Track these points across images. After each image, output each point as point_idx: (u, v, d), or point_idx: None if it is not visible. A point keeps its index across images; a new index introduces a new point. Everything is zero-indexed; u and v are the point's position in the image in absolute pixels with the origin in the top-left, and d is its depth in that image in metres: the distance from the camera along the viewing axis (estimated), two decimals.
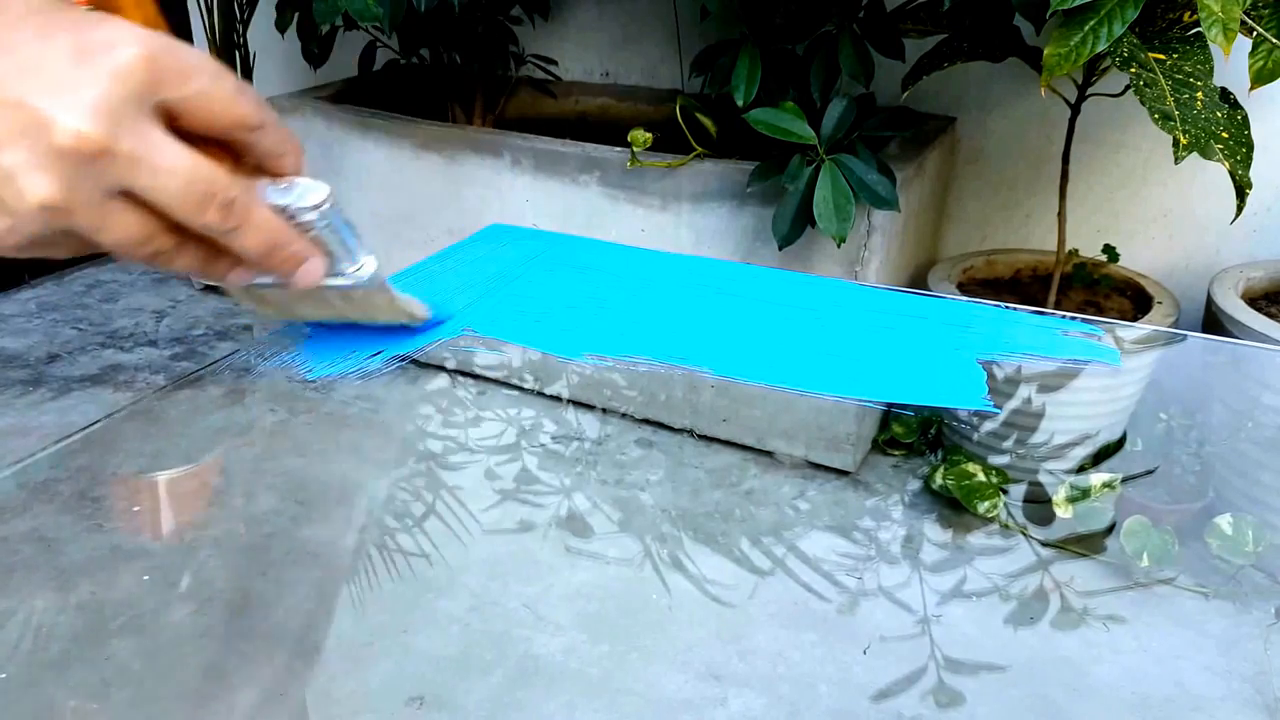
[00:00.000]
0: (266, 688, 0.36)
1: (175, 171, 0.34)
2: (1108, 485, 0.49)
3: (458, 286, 0.60)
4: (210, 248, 0.37)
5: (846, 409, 0.55)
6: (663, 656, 0.37)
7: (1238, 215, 1.10)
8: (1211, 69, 1.08)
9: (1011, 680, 0.37)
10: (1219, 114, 1.04)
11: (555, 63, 1.92)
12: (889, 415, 0.53)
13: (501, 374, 0.51)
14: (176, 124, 0.34)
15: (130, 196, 0.34)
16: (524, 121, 1.89)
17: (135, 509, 0.46)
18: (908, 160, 1.40)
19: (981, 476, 0.47)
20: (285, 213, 0.38)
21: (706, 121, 1.46)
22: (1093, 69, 1.28)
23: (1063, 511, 0.46)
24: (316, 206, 0.39)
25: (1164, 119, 1.00)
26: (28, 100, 0.32)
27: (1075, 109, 1.33)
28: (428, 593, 0.41)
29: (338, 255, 0.41)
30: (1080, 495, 0.47)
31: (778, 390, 0.49)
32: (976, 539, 0.45)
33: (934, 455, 0.47)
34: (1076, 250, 1.54)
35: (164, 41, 0.33)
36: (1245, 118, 1.13)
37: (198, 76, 0.34)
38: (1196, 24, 1.03)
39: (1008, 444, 0.50)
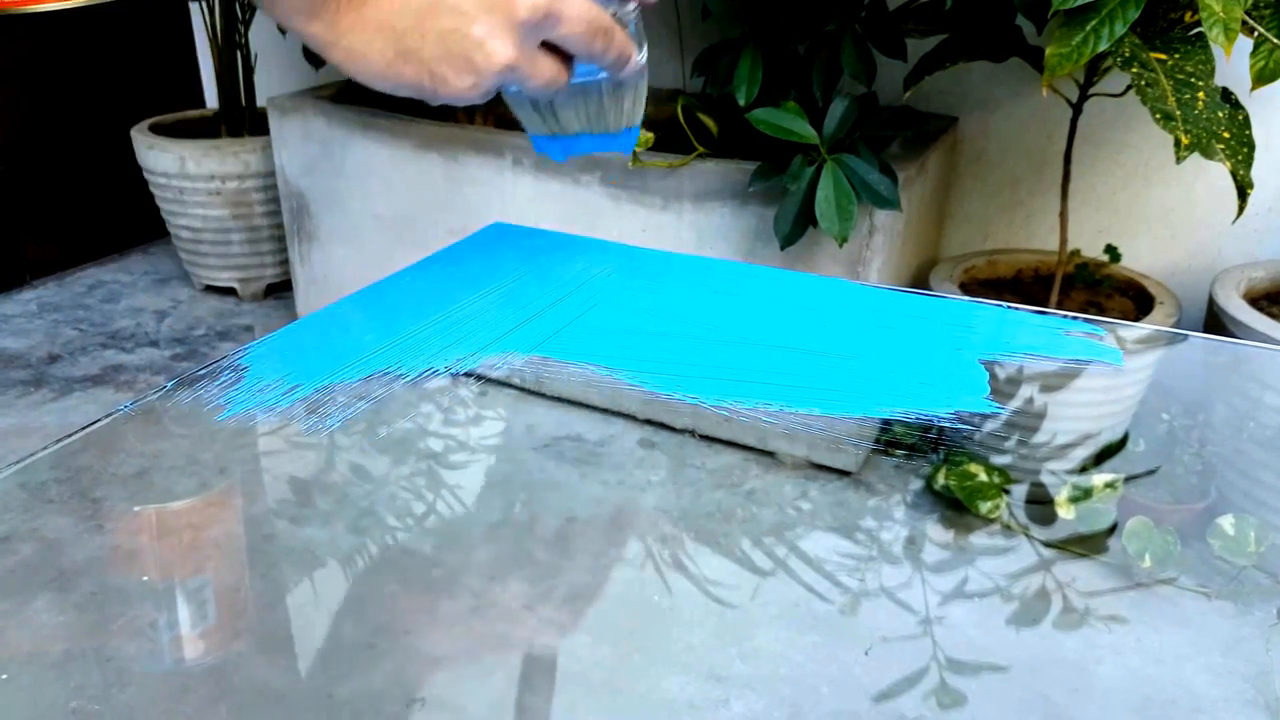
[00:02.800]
0: (267, 688, 0.36)
1: (583, 18, 0.45)
2: (1110, 486, 0.48)
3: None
4: (570, 64, 0.49)
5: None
6: (664, 657, 0.37)
7: (1239, 215, 1.10)
8: (1213, 69, 1.08)
9: (1013, 681, 0.37)
10: (1220, 114, 1.03)
11: None
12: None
13: (502, 373, 0.51)
14: None
15: (547, 46, 0.46)
16: None
17: (135, 509, 0.46)
18: (909, 160, 1.40)
19: (983, 477, 0.47)
20: (617, 17, 0.49)
21: (708, 121, 1.45)
22: (1094, 69, 1.28)
23: (1065, 512, 0.46)
24: (632, 10, 0.50)
25: (1165, 119, 1.00)
26: None
27: (1077, 109, 1.33)
28: (428, 593, 0.41)
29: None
30: (1082, 496, 0.47)
31: (779, 409, 0.49)
32: (978, 539, 0.45)
33: (935, 456, 0.47)
34: (1078, 250, 1.54)
35: None
36: (1246, 118, 1.13)
37: (577, 10, 0.45)
38: (1198, 24, 1.03)
39: (1009, 444, 0.50)
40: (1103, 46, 1.04)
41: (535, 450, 0.51)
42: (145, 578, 0.41)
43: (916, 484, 0.48)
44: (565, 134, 0.58)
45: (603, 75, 0.52)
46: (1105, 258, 1.53)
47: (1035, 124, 1.63)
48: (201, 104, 2.54)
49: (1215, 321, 1.35)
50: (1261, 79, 1.07)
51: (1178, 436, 0.54)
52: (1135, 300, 1.48)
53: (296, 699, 0.36)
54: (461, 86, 0.45)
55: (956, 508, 0.46)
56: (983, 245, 1.73)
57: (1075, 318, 0.57)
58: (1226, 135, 1.06)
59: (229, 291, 2.23)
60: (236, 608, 0.40)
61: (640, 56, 0.53)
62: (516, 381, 0.53)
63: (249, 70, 2.18)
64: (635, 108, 0.58)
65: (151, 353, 1.96)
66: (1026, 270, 1.59)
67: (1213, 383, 0.60)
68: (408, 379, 0.50)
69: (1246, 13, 1.02)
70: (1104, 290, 1.51)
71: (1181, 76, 1.06)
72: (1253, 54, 1.08)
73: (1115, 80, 1.26)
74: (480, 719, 0.35)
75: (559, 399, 0.54)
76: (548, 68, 0.47)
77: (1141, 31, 1.11)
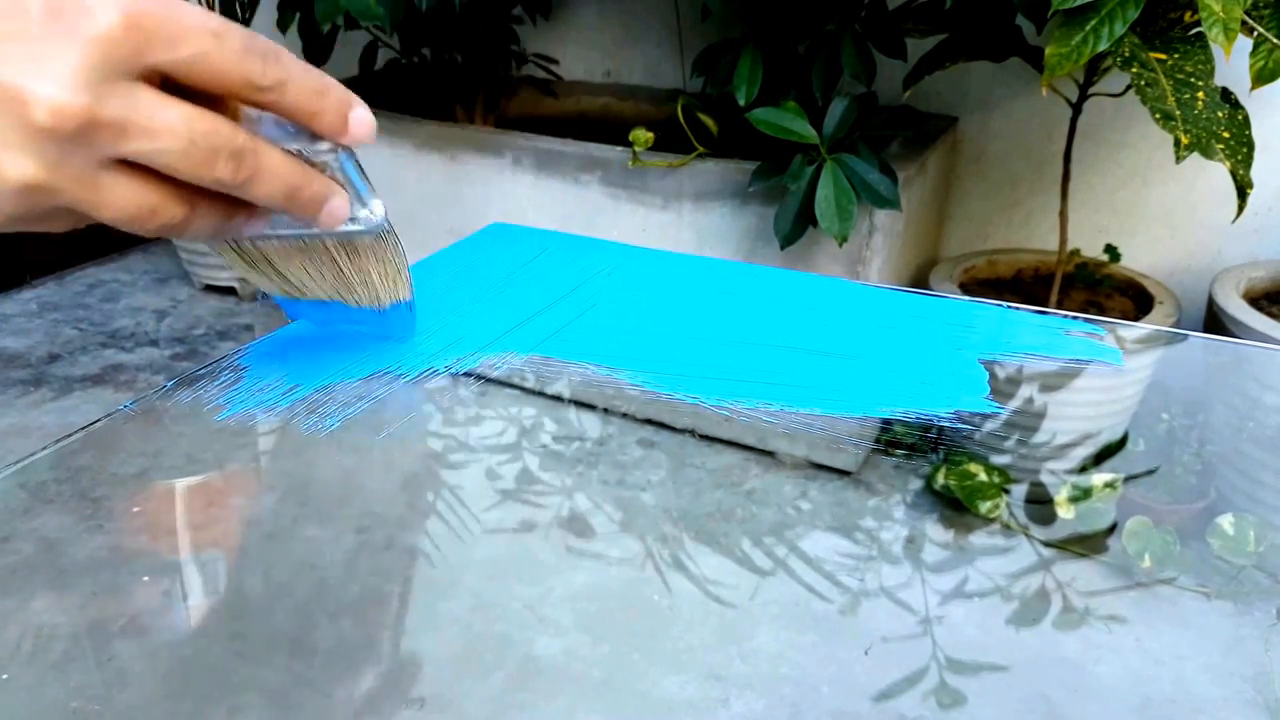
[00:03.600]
0: (266, 688, 0.36)
1: (174, 131, 0.31)
2: (1109, 485, 0.48)
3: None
4: (225, 203, 0.35)
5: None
6: (664, 657, 0.37)
7: (1239, 215, 1.10)
8: (1212, 69, 1.08)
9: (1013, 680, 0.37)
10: (1220, 114, 1.03)
11: (557, 62, 1.92)
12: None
13: (502, 373, 0.51)
14: (175, 83, 0.31)
15: (128, 165, 0.31)
16: (525, 121, 1.89)
17: (135, 509, 0.46)
18: (909, 160, 1.40)
19: (983, 477, 0.47)
20: (299, 155, 0.36)
21: (708, 121, 1.45)
22: (1094, 69, 1.28)
23: (1064, 512, 0.46)
24: (332, 147, 0.37)
25: (1165, 119, 1.00)
26: None
27: (1077, 109, 1.33)
28: (428, 593, 0.41)
29: (351, 197, 0.40)
30: (1082, 495, 0.47)
31: (779, 409, 0.49)
32: (978, 539, 0.45)
33: (935, 455, 0.47)
34: (1078, 250, 1.54)
35: (151, 2, 0.30)
36: (1246, 117, 1.13)
37: (192, 38, 0.30)
38: (1197, 24, 1.03)
39: (1009, 444, 0.50)
40: (1102, 46, 1.04)
41: (535, 450, 0.51)
42: (145, 578, 0.41)
43: (916, 484, 0.48)
44: (309, 298, 0.48)
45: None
46: (1105, 257, 1.53)
47: (1035, 124, 1.63)
48: None
49: (1215, 321, 1.35)
50: (1261, 79, 1.07)
51: (1177, 436, 0.54)
52: (1135, 300, 1.48)
53: (296, 699, 0.36)
54: None
55: (956, 507, 0.46)
56: (983, 245, 1.73)
57: (1075, 317, 0.57)
58: (1226, 135, 1.06)
59: (229, 291, 2.23)
60: (236, 608, 0.40)
61: (365, 210, 0.41)
62: (516, 381, 0.53)
63: None
64: (390, 278, 0.47)
65: (151, 352, 1.96)
66: (1026, 270, 1.59)
67: (1212, 382, 0.60)
68: (408, 379, 0.50)
69: (1246, 12, 1.02)
70: (1104, 290, 1.51)
71: (1181, 76, 1.06)
72: (1252, 54, 1.08)
73: (1115, 80, 1.26)
74: (480, 719, 0.35)
75: (559, 399, 0.54)
76: (128, 196, 0.32)
77: (1141, 31, 1.11)
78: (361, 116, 0.37)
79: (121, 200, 0.32)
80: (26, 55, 0.28)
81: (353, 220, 0.41)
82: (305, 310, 0.50)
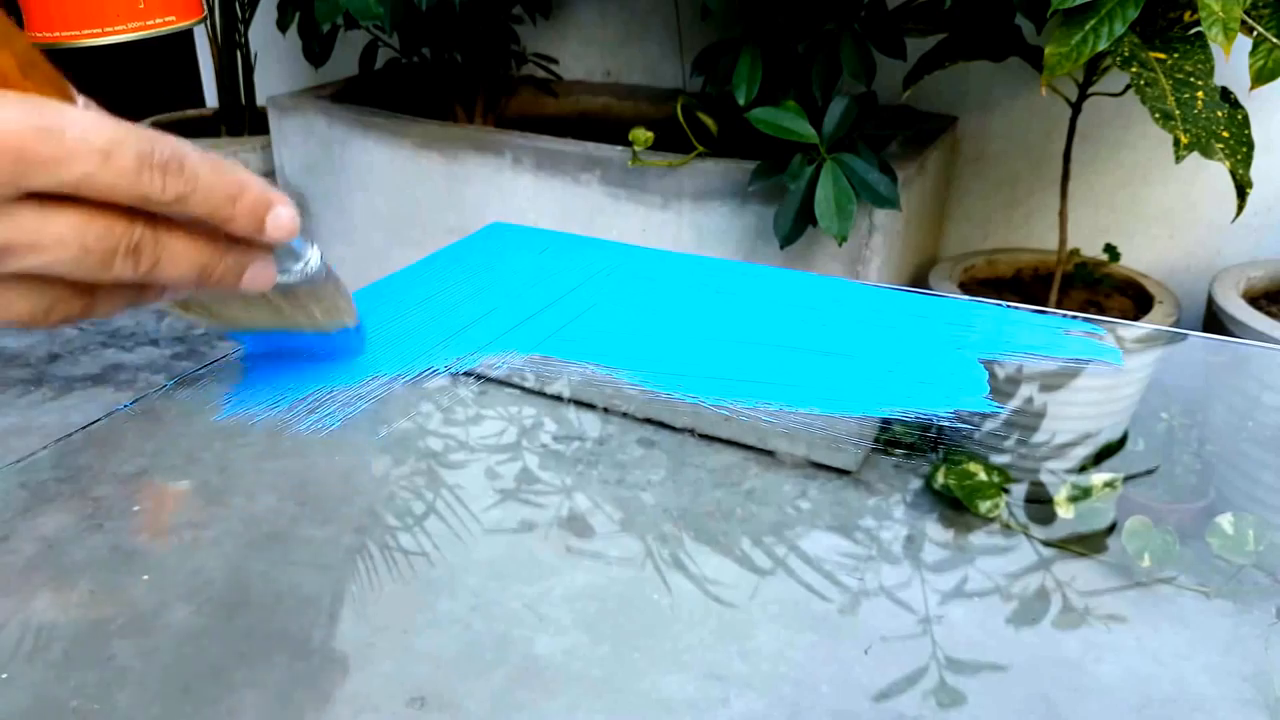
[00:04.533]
0: (267, 688, 0.36)
1: (64, 243, 0.28)
2: (1109, 485, 0.48)
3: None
4: (132, 287, 0.32)
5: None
6: (664, 657, 0.37)
7: (1238, 214, 1.10)
8: (1212, 68, 1.08)
9: (1013, 680, 0.37)
10: (1219, 113, 1.03)
11: (556, 62, 1.92)
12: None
13: (502, 373, 0.51)
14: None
15: (15, 275, 0.29)
16: (525, 120, 1.89)
17: (135, 509, 0.46)
18: (909, 159, 1.40)
19: (983, 476, 0.47)
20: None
21: (708, 120, 1.45)
22: (1094, 68, 1.28)
23: (1064, 511, 0.46)
24: None
25: (1165, 118, 1.00)
26: None
27: (1076, 108, 1.33)
28: (428, 593, 0.41)
29: (280, 254, 0.38)
30: (1081, 495, 0.47)
31: (779, 408, 0.49)
32: (978, 539, 0.45)
33: (935, 455, 0.47)
34: (1078, 249, 1.54)
35: (32, 121, 0.27)
36: (1246, 117, 1.13)
37: (76, 160, 0.27)
38: (1197, 23, 1.03)
39: (1009, 443, 0.50)
40: (1102, 46, 1.04)
41: (535, 450, 0.51)
42: (145, 577, 0.41)
43: (916, 483, 0.48)
44: (250, 330, 0.47)
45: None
46: (1104, 257, 1.53)
47: (1035, 123, 1.63)
48: (201, 103, 2.53)
49: (1214, 321, 1.35)
50: (1260, 78, 1.07)
51: (1177, 436, 0.54)
52: (1134, 299, 1.48)
53: (297, 699, 0.36)
54: None
55: (956, 507, 0.46)
56: (982, 244, 1.73)
57: (1075, 317, 0.57)
58: (1225, 134, 1.06)
59: None
60: (236, 608, 0.40)
61: (300, 264, 0.40)
62: (516, 381, 0.53)
63: (249, 69, 2.17)
64: (332, 311, 0.46)
65: (151, 351, 1.96)
66: (1026, 269, 1.59)
67: (1212, 382, 0.60)
68: (408, 379, 0.50)
69: (1246, 12, 1.02)
70: (1103, 289, 1.51)
71: (1181, 76, 1.06)
72: (1252, 53, 1.08)
73: (1114, 79, 1.26)
74: (480, 719, 0.35)
75: (559, 398, 0.54)
76: (19, 303, 0.29)
77: (1141, 31, 1.11)
78: (280, 218, 0.34)
79: (10, 308, 0.29)
80: None
81: (284, 273, 0.39)
82: (248, 337, 0.48)
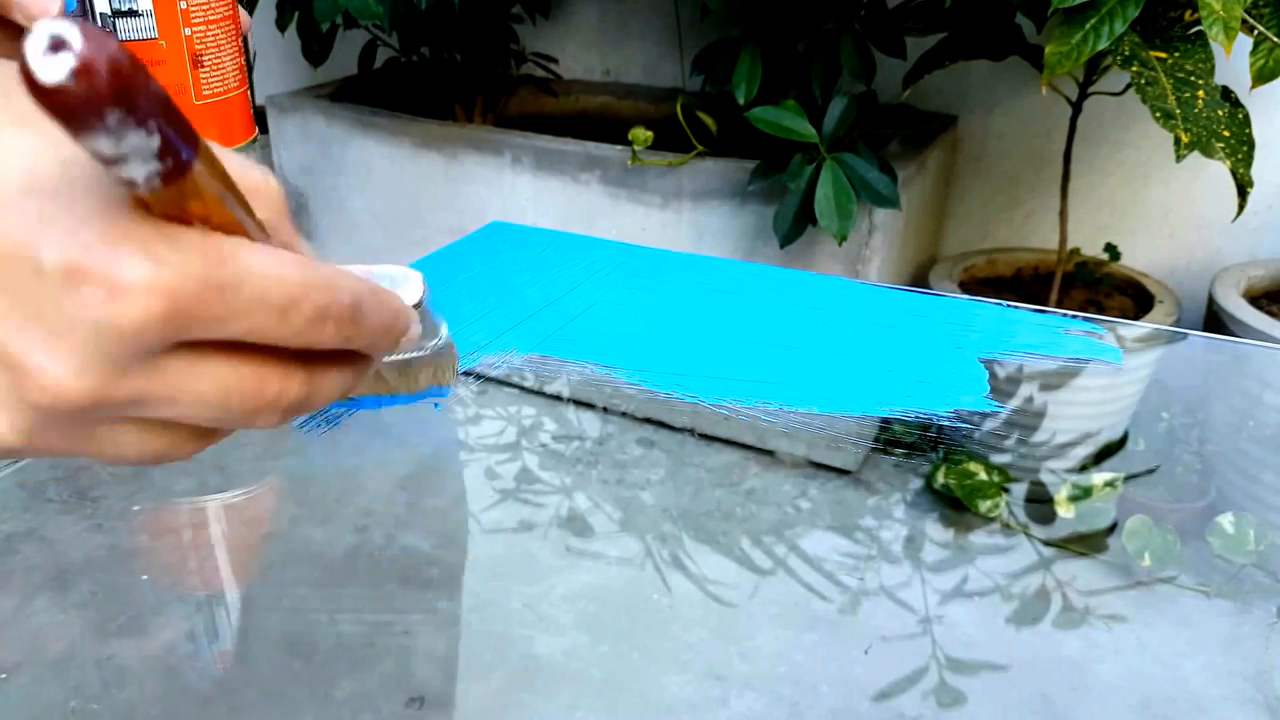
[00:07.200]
0: (267, 688, 0.36)
1: (204, 402, 0.24)
2: (1109, 484, 0.48)
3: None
4: None
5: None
6: (664, 657, 0.37)
7: (1239, 214, 1.10)
8: (1213, 67, 1.08)
9: (1013, 680, 0.37)
10: (1220, 112, 1.03)
11: (556, 61, 1.92)
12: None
13: (502, 372, 0.51)
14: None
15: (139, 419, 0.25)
16: (525, 120, 1.88)
17: (135, 509, 0.46)
18: (909, 159, 1.40)
19: (983, 476, 0.47)
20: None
21: (707, 120, 1.45)
22: (1094, 67, 1.28)
23: (1064, 511, 0.46)
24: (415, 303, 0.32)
25: (1165, 117, 1.00)
26: None
27: (1077, 107, 1.33)
28: (428, 593, 0.41)
29: (426, 330, 0.37)
30: (1082, 494, 0.47)
31: (779, 408, 0.49)
32: (978, 538, 0.45)
33: (935, 454, 0.47)
34: (1078, 249, 1.54)
35: (208, 274, 0.22)
36: (1246, 116, 1.13)
37: (249, 317, 0.23)
38: (1197, 22, 1.03)
39: (1009, 443, 0.50)
40: (1102, 45, 1.04)
41: (534, 450, 0.51)
42: (145, 577, 0.41)
43: (916, 483, 0.48)
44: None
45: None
46: (1105, 256, 1.53)
47: (1035, 123, 1.63)
48: None
49: (1215, 320, 1.35)
50: (1261, 77, 1.07)
51: (1177, 435, 0.54)
52: (1135, 299, 1.47)
53: (296, 699, 0.36)
54: None
55: (956, 507, 0.46)
56: (982, 244, 1.72)
57: (1075, 316, 0.57)
58: (1226, 134, 1.06)
59: None
60: (236, 607, 0.40)
61: (434, 340, 0.39)
62: (516, 380, 0.53)
63: (248, 69, 2.17)
64: (439, 377, 0.44)
65: None
66: (1026, 269, 1.59)
67: (1212, 381, 0.60)
68: None
69: (1246, 11, 1.02)
70: (1103, 289, 1.51)
71: (1181, 75, 1.06)
72: (1252, 52, 1.07)
73: (1115, 79, 1.26)
74: (480, 718, 0.35)
75: (558, 398, 0.54)
76: (131, 449, 0.26)
77: (1141, 30, 1.11)
78: (414, 330, 0.30)
79: (120, 450, 0.26)
80: (29, 314, 0.21)
81: (420, 349, 0.39)
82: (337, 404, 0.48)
